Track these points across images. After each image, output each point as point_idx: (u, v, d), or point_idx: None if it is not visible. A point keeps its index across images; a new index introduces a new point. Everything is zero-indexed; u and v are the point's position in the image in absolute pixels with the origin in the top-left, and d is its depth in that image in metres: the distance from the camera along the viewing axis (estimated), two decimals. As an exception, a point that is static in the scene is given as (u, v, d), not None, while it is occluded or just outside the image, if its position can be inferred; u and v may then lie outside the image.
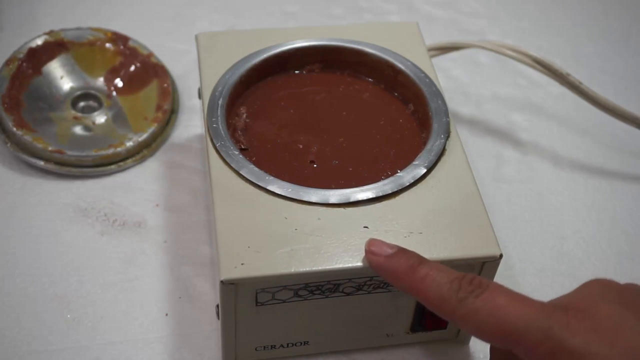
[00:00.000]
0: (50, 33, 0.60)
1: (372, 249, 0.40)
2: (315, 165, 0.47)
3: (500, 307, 0.34)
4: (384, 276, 0.39)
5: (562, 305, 0.34)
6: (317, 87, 0.52)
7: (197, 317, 0.48)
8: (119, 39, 0.61)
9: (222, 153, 0.45)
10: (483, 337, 0.35)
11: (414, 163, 0.45)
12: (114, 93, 0.60)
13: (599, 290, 0.35)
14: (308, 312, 0.43)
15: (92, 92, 0.59)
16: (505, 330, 0.34)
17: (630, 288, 0.35)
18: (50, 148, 0.54)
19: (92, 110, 0.59)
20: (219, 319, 0.43)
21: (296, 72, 0.52)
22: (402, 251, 0.39)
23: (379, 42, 0.52)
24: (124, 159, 0.56)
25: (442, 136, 0.47)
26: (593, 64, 0.68)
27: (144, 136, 0.57)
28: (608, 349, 0.31)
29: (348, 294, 0.42)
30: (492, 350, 0.41)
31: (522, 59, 0.57)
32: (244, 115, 0.49)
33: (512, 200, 0.57)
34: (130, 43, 0.61)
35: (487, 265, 0.42)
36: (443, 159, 0.46)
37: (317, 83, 0.52)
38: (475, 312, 0.34)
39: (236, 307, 0.41)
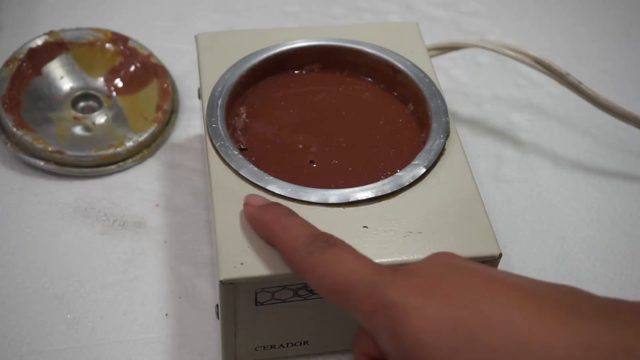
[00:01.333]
0: (50, 33, 0.60)
1: (247, 200, 0.41)
2: (315, 165, 0.47)
3: (339, 262, 0.35)
4: (254, 227, 0.40)
5: (394, 267, 0.34)
6: (317, 87, 0.52)
7: (197, 317, 0.48)
8: (119, 39, 0.61)
9: (221, 153, 0.45)
10: (321, 292, 0.35)
11: (413, 163, 0.45)
12: (114, 93, 0.60)
13: (434, 259, 0.35)
14: (308, 312, 0.43)
15: (92, 92, 0.59)
16: (338, 285, 0.34)
17: (468, 261, 0.35)
18: (50, 148, 0.54)
19: (92, 110, 0.59)
20: (219, 319, 0.43)
21: (296, 72, 0.52)
22: (274, 204, 0.40)
23: (379, 42, 0.52)
24: (124, 159, 0.56)
25: (442, 136, 0.47)
26: (593, 64, 0.68)
27: (144, 136, 0.57)
28: (425, 301, 0.32)
29: (348, 294, 0.42)
30: (353, 341, 0.40)
31: (522, 59, 0.57)
32: (244, 115, 0.49)
33: (512, 200, 0.57)
34: (130, 43, 0.61)
35: (486, 265, 0.42)
36: (443, 158, 0.46)
37: (317, 83, 0.52)
38: (318, 265, 0.35)
39: (236, 307, 0.41)
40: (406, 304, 0.32)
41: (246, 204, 0.41)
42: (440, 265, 0.34)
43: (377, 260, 0.40)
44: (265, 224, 0.40)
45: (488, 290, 0.32)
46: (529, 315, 0.30)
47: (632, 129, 0.58)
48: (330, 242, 0.36)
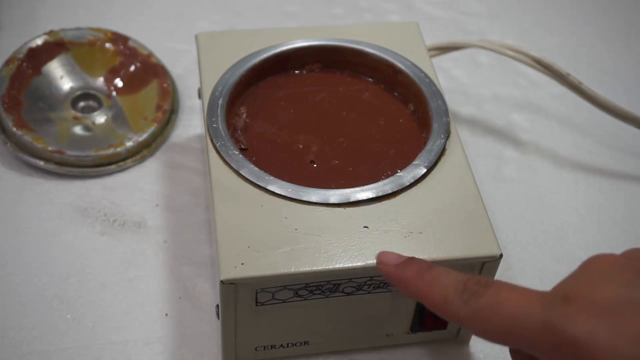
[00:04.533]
0: (50, 33, 0.60)
1: (381, 259, 0.39)
2: (315, 165, 0.47)
3: (501, 302, 0.33)
4: (395, 284, 0.39)
5: (562, 294, 0.33)
6: (317, 87, 0.52)
7: (197, 317, 0.48)
8: (119, 39, 0.61)
9: (222, 153, 0.45)
10: (489, 337, 0.34)
11: (414, 163, 0.45)
12: (114, 93, 0.60)
13: (599, 270, 0.34)
14: (308, 312, 0.43)
15: (92, 92, 0.59)
16: (507, 326, 0.33)
17: (631, 259, 0.34)
18: (50, 148, 0.54)
19: (92, 110, 0.59)
20: (219, 319, 0.43)
21: (296, 72, 0.52)
22: (410, 259, 0.39)
23: (379, 42, 0.52)
24: (124, 159, 0.56)
25: (442, 136, 0.47)
26: (593, 64, 0.68)
27: (144, 136, 0.57)
28: (613, 335, 0.30)
29: (348, 294, 0.42)
30: (512, 353, 0.40)
31: (522, 59, 0.57)
32: (244, 115, 0.49)
33: (512, 200, 0.57)
34: (130, 43, 0.61)
35: (487, 265, 0.42)
36: (443, 158, 0.46)
37: (317, 83, 0.52)
38: (479, 311, 0.34)
39: (236, 307, 0.41)
40: (595, 341, 0.30)
41: (380, 264, 0.39)
42: (613, 281, 0.33)
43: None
44: (407, 282, 0.38)
45: None
46: None
47: (632, 129, 0.58)
48: (482, 283, 0.35)
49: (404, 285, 0.38)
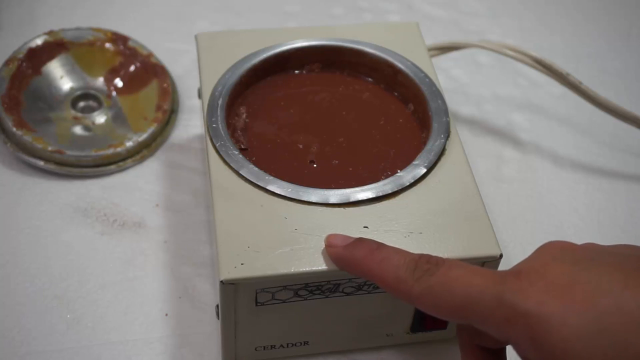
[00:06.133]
0: (50, 33, 0.60)
1: (330, 241, 0.40)
2: (315, 165, 0.47)
3: (453, 280, 0.34)
4: (344, 267, 0.39)
5: (515, 271, 0.33)
6: (317, 87, 0.52)
7: (197, 317, 0.48)
8: (119, 39, 0.61)
9: (222, 153, 0.45)
10: (440, 313, 0.35)
11: (414, 163, 0.45)
12: (114, 93, 0.60)
13: (553, 252, 0.34)
14: (308, 312, 0.43)
15: (92, 92, 0.59)
16: (459, 303, 0.33)
17: (585, 247, 0.34)
18: (50, 148, 0.54)
19: (91, 110, 0.59)
20: (219, 319, 0.43)
21: (296, 72, 0.52)
22: (359, 239, 0.39)
23: (379, 42, 0.52)
24: (123, 159, 0.56)
25: (442, 136, 0.47)
26: (593, 64, 0.68)
27: (143, 136, 0.57)
28: (563, 307, 0.31)
29: (348, 294, 0.42)
30: (459, 332, 0.40)
31: (522, 59, 0.57)
32: (244, 115, 0.49)
33: (512, 200, 0.57)
34: (130, 43, 0.61)
35: (487, 265, 0.42)
36: (443, 159, 0.46)
37: (317, 83, 0.52)
38: (431, 289, 0.34)
39: (236, 307, 0.41)
40: (545, 312, 0.31)
41: (329, 246, 0.40)
42: (565, 260, 0.33)
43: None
44: (356, 262, 0.38)
45: (626, 286, 0.31)
46: None
47: (632, 129, 0.58)
48: (433, 262, 0.35)
49: (354, 266, 0.38)
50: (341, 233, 0.41)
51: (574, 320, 0.30)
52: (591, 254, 0.33)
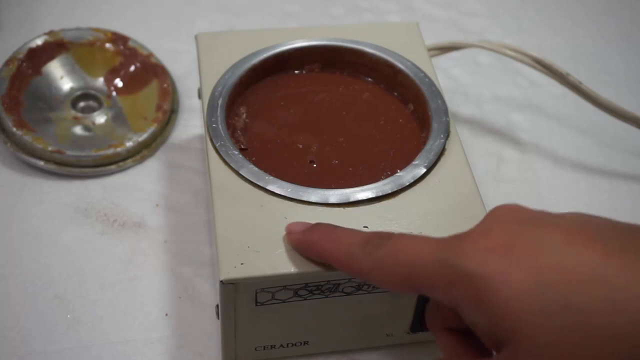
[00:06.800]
0: (50, 33, 0.60)
1: (289, 228, 0.40)
2: (315, 165, 0.47)
3: (401, 251, 0.34)
4: (303, 252, 0.39)
5: (459, 235, 0.33)
6: (317, 87, 0.52)
7: (197, 317, 0.48)
8: (119, 39, 0.61)
9: (222, 153, 0.45)
10: (392, 286, 0.35)
11: (413, 163, 0.45)
12: (114, 93, 0.60)
13: (499, 214, 0.34)
14: (308, 312, 0.43)
15: (92, 92, 0.59)
16: (407, 272, 0.33)
17: (531, 209, 0.34)
18: (50, 148, 0.54)
19: (92, 110, 0.59)
20: (219, 319, 0.43)
21: (296, 72, 0.52)
22: (316, 224, 0.40)
23: (379, 42, 0.52)
24: (124, 159, 0.56)
25: (442, 136, 0.47)
26: (593, 63, 0.68)
27: (143, 136, 0.57)
28: (505, 267, 0.30)
29: (348, 294, 0.42)
30: (427, 318, 0.40)
31: (522, 59, 0.57)
32: (244, 115, 0.49)
33: (512, 200, 0.56)
34: (130, 43, 0.61)
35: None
36: (443, 158, 0.46)
37: (317, 83, 0.52)
38: (380, 260, 0.34)
39: (236, 307, 0.41)
40: (487, 272, 0.30)
41: (289, 233, 0.40)
42: (509, 221, 0.32)
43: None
44: (313, 244, 0.39)
45: (569, 246, 0.30)
46: (618, 269, 0.29)
47: (632, 129, 0.58)
48: (384, 237, 0.35)
49: (311, 249, 0.39)
50: None
51: (515, 278, 0.30)
52: (536, 214, 0.33)
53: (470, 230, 0.33)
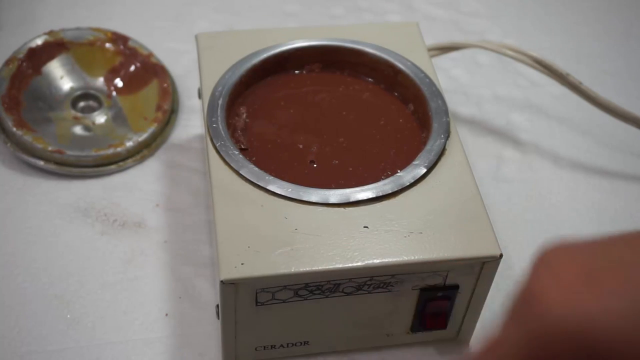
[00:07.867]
0: (50, 33, 0.60)
1: None
2: (315, 165, 0.47)
3: None
4: None
5: (519, 299, 0.28)
6: (317, 87, 0.52)
7: (197, 317, 0.48)
8: (119, 39, 0.61)
9: (222, 153, 0.45)
10: None
11: (414, 163, 0.45)
12: (114, 93, 0.60)
13: (556, 258, 0.28)
14: (308, 312, 0.43)
15: (92, 92, 0.59)
16: None
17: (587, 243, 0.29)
18: (50, 148, 0.54)
19: (92, 110, 0.59)
20: (219, 319, 0.43)
21: (296, 72, 0.52)
22: None
23: (379, 42, 0.52)
24: (124, 159, 0.56)
25: (442, 136, 0.47)
26: (593, 64, 0.68)
27: (144, 136, 0.57)
28: (602, 302, 0.26)
29: (348, 294, 0.42)
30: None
31: (522, 59, 0.57)
32: (244, 115, 0.49)
33: (512, 200, 0.57)
34: (130, 43, 0.61)
35: (487, 265, 0.42)
36: (443, 159, 0.46)
37: (317, 83, 0.52)
38: None
39: (236, 307, 0.41)
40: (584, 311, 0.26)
41: None
42: (574, 261, 0.28)
43: (376, 260, 0.41)
44: None
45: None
46: None
47: (632, 129, 0.58)
48: None
49: None
50: (341, 233, 0.41)
51: (615, 305, 0.26)
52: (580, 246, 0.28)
53: (531, 287, 0.28)
